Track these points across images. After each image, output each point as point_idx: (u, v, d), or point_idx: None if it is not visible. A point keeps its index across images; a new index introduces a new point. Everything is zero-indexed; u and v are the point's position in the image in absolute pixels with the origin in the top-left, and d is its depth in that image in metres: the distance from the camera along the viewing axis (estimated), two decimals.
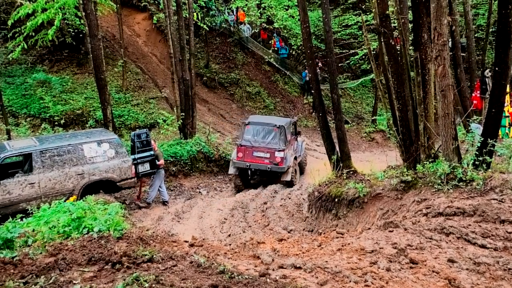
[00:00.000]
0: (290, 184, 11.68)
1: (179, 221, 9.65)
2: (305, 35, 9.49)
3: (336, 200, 7.88)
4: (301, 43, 19.55)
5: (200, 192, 12.06)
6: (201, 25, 18.48)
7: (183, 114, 13.36)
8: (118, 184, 9.71)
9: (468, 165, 6.15)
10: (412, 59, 7.23)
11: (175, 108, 13.46)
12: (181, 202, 11.21)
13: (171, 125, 13.39)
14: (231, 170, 11.89)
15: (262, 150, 11.53)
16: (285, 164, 11.50)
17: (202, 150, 13.05)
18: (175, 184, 12.23)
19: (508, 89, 9.33)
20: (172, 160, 12.37)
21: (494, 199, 5.48)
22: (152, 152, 10.21)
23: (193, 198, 11.53)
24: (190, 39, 14.06)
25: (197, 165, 12.93)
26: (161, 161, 10.52)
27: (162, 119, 13.81)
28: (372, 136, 18.28)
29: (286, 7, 21.28)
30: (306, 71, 19.52)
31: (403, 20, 7.49)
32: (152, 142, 10.58)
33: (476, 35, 16.10)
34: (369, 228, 5.87)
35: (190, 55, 14.25)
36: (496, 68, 6.24)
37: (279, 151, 11.45)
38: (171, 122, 13.44)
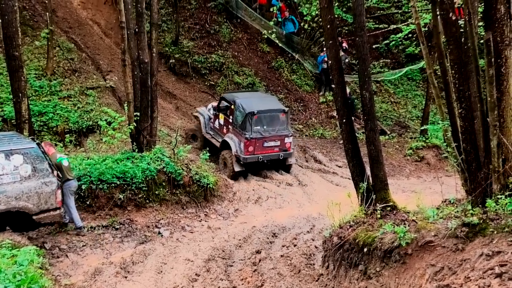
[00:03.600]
0: (289, 168, 16.16)
1: (126, 277, 9.52)
2: (324, 1, 9.60)
3: (366, 250, 7.89)
4: (317, 12, 19.75)
5: (159, 233, 11.97)
6: None
7: (138, 114, 13.37)
8: (35, 217, 9.62)
9: None
10: (482, 41, 7.32)
11: (126, 105, 13.44)
12: (130, 247, 11.08)
13: (120, 129, 13.36)
14: (238, 167, 15.14)
15: (273, 139, 15.27)
16: (292, 147, 15.71)
17: (164, 170, 13.01)
18: (122, 220, 12.11)
19: None
20: (118, 183, 12.31)
21: None
22: None
23: (148, 242, 11.42)
24: (152, 1, 14.14)
25: (157, 192, 12.88)
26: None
27: (106, 120, 13.75)
28: (421, 155, 18.37)
29: None
30: (324, 54, 19.69)
31: None
32: (48, 146, 10.88)
33: None
34: None
35: (152, 25, 14.28)
36: None
37: (289, 136, 15.55)
38: (119, 126, 13.41)
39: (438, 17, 7.73)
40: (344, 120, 9.76)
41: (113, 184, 12.21)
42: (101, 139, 14.21)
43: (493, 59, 6.96)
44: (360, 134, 15.97)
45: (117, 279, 9.35)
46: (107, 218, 11.90)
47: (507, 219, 6.37)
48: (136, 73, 13.51)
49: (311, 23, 21.64)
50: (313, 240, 10.92)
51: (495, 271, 5.60)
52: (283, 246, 10.73)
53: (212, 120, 16.71)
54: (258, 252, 10.43)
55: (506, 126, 7.23)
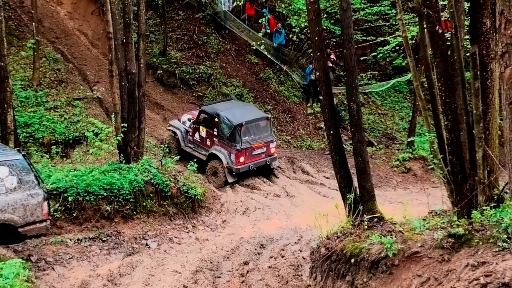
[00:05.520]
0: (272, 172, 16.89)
1: None
2: (312, 13, 9.72)
3: (353, 261, 7.90)
4: (305, 24, 19.92)
5: (147, 244, 11.98)
6: None
7: (126, 125, 13.38)
8: (20, 230, 9.60)
9: None
10: (468, 54, 7.45)
11: (113, 116, 13.46)
12: (117, 259, 11.06)
13: (106, 141, 13.36)
14: (231, 178, 15.72)
15: (260, 146, 16.08)
16: (275, 152, 16.75)
17: (152, 181, 13.02)
18: (110, 232, 12.08)
19: None
20: (106, 194, 12.30)
21: None
22: None
23: (136, 254, 11.42)
24: (139, 12, 14.20)
25: (144, 203, 12.87)
26: None
27: (93, 131, 13.75)
28: (408, 166, 18.47)
29: None
30: (312, 66, 19.85)
31: None
32: None
33: None
34: None
35: (139, 36, 14.34)
36: None
37: (273, 142, 16.52)
38: (106, 137, 13.41)
39: (425, 30, 7.84)
40: (331, 132, 9.86)
41: (100, 196, 12.18)
42: (88, 151, 14.21)
43: (479, 72, 7.09)
44: (348, 145, 16.10)
45: None
46: (94, 230, 11.86)
47: (492, 230, 6.45)
48: (123, 84, 13.51)
49: (299, 34, 21.84)
50: (300, 251, 10.93)
51: (480, 281, 5.67)
52: (270, 257, 10.75)
53: (190, 133, 16.96)
54: (246, 263, 10.44)
55: (491, 138, 7.37)
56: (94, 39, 21.24)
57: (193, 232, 12.78)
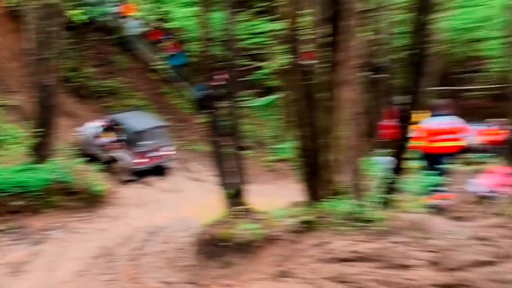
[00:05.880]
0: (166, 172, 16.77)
1: (19, 275, 8.91)
2: (205, 42, 9.89)
3: (228, 244, 8.04)
4: (201, 49, 19.86)
5: (53, 235, 11.26)
6: (75, 17, 18.10)
7: (39, 129, 12.61)
8: None
9: (370, 204, 6.76)
10: (323, 80, 7.81)
11: (29, 122, 12.81)
12: (23, 248, 10.31)
13: (20, 143, 12.56)
14: (129, 177, 15.46)
15: (156, 149, 15.93)
16: (170, 155, 16.78)
17: (61, 179, 12.34)
18: (19, 225, 11.26)
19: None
20: (17, 192, 11.50)
21: (395, 242, 6.10)
22: None
23: (42, 244, 10.69)
24: (57, 31, 13.37)
25: (53, 199, 12.16)
26: None
27: (9, 135, 12.99)
28: (275, 166, 18.93)
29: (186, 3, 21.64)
30: (203, 84, 19.79)
31: (317, 35, 8.01)
32: None
33: (399, 56, 17.68)
34: (257, 279, 6.06)
35: (56, 53, 13.55)
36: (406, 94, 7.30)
37: (168, 146, 16.52)
38: (19, 140, 12.57)
39: (292, 59, 8.19)
40: (215, 138, 10.04)
41: (11, 193, 11.40)
42: (4, 152, 13.19)
43: (330, 95, 7.52)
44: (228, 149, 16.14)
45: (8, 278, 8.68)
46: (4, 223, 11.01)
47: (332, 218, 6.83)
48: (39, 94, 12.69)
49: (195, 58, 21.80)
50: (187, 237, 10.78)
51: (320, 257, 5.96)
52: (161, 243, 10.51)
53: (97, 138, 16.34)
54: (139, 249, 10.14)
55: (335, 146, 7.75)
56: (15, 54, 19.64)
57: (95, 223, 12.15)
